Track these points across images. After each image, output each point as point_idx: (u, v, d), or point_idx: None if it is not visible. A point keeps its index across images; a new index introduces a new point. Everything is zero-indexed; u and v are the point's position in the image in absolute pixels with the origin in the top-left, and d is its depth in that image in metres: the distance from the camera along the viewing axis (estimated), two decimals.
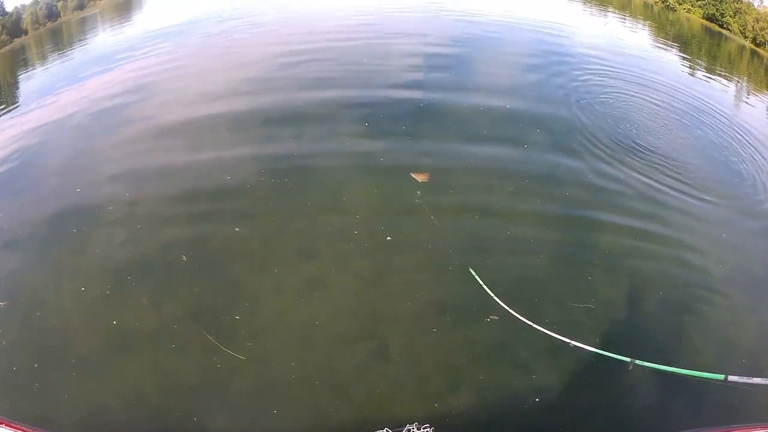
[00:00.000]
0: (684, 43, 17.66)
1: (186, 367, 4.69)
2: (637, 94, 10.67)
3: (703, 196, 7.31)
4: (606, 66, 11.83)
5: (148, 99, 8.90)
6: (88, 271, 5.47)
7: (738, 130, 10.13)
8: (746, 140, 9.72)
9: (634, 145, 8.31)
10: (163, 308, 5.14)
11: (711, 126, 10.05)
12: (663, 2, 22.56)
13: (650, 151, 8.21)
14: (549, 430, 4.42)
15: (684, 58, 15.29)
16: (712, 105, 11.22)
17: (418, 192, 6.71)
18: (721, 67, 15.79)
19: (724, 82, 14.19)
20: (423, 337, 5.04)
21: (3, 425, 2.82)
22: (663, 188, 7.33)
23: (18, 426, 2.83)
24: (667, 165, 7.86)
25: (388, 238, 6.03)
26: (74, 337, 4.85)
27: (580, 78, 10.78)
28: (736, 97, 13.49)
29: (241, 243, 5.88)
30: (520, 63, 11.28)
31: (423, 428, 3.08)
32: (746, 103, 13.20)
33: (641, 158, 7.95)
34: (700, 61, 15.70)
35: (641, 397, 4.72)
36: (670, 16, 21.71)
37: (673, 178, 7.55)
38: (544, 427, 4.45)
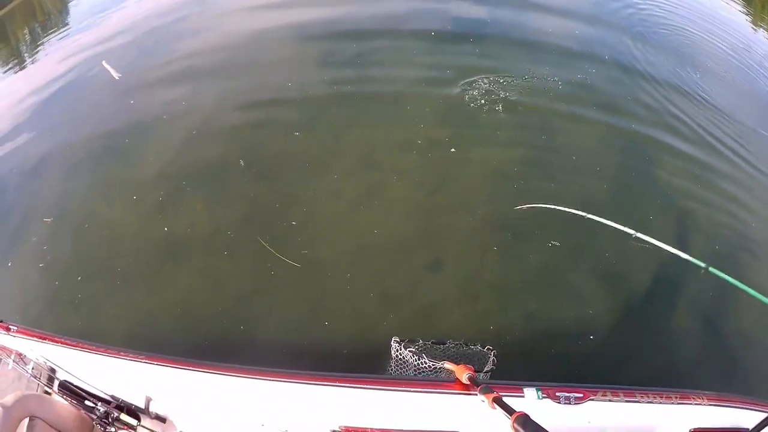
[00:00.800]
0: None
1: (238, 275, 4.44)
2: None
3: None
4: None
5: (206, 11, 8.48)
6: (141, 179, 5.20)
7: None
8: None
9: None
10: (217, 214, 4.87)
11: None
12: None
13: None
14: (596, 369, 4.17)
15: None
16: None
17: (485, 107, 6.22)
18: None
19: None
20: (479, 255, 4.73)
21: (48, 340, 2.74)
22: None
23: (62, 340, 2.73)
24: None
25: (452, 150, 5.58)
26: (122, 248, 4.64)
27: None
28: None
29: (301, 149, 5.52)
30: None
31: (487, 348, 3.03)
32: None
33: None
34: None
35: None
36: None
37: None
38: (592, 363, 4.22)
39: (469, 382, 2.45)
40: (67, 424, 2.53)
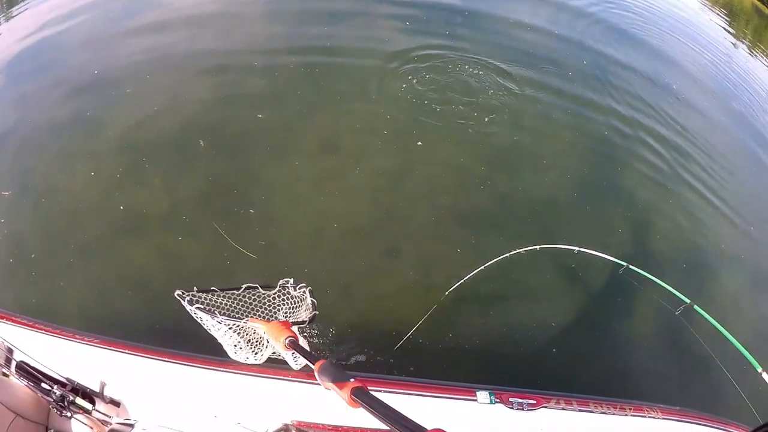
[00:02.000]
0: (732, 14, 16.33)
1: (194, 258, 4.45)
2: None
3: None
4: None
5: None
6: (101, 154, 5.14)
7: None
8: None
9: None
10: (176, 193, 4.86)
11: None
12: None
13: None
14: (551, 375, 4.22)
15: (728, 29, 14.03)
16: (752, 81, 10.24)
17: (457, 99, 6.40)
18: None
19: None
20: (437, 246, 4.86)
21: (6, 320, 2.69)
22: None
23: (20, 320, 2.73)
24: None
25: (419, 143, 5.71)
26: (80, 223, 4.61)
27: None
28: None
29: (263, 130, 5.56)
30: None
31: (299, 287, 2.52)
32: None
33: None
34: (744, 37, 14.49)
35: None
36: None
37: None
38: (548, 368, 4.29)
39: (289, 348, 1.96)
40: (23, 406, 2.55)
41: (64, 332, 2.69)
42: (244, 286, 2.41)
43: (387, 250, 4.77)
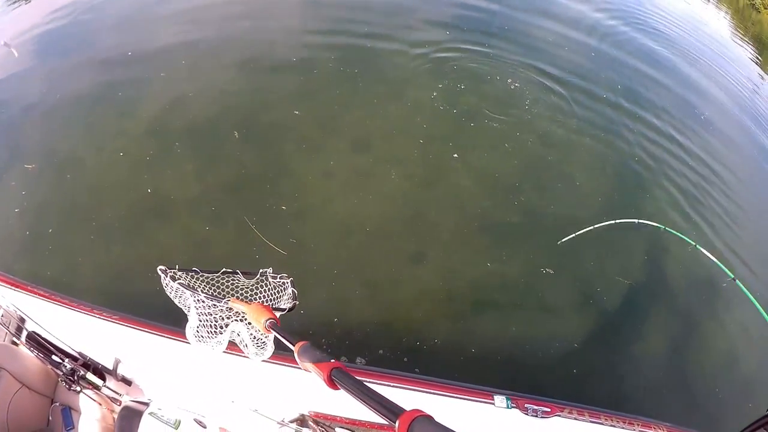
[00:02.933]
0: (760, 44, 16.23)
1: (220, 245, 4.36)
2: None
3: None
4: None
5: None
6: (132, 135, 5.09)
7: None
8: None
9: None
10: (205, 181, 4.77)
11: None
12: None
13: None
14: (563, 383, 4.24)
15: (757, 60, 13.93)
16: None
17: (488, 109, 6.28)
18: None
19: None
20: (462, 254, 4.78)
21: (20, 288, 2.64)
22: None
23: (35, 290, 2.66)
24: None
25: (454, 154, 5.59)
26: (104, 200, 4.54)
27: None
28: None
29: (298, 125, 5.45)
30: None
31: (280, 277, 2.36)
32: None
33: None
34: None
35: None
36: (753, 15, 19.95)
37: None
38: (561, 377, 4.27)
39: (269, 332, 1.92)
40: (30, 377, 2.45)
41: (81, 305, 2.60)
42: (222, 270, 2.27)
43: (413, 254, 4.68)
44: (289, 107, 5.63)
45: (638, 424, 2.78)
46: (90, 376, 2.42)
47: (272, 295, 2.33)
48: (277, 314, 2.01)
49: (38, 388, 2.50)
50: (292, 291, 2.30)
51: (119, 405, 2.46)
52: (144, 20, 6.92)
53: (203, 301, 2.16)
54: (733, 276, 3.94)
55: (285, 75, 6.09)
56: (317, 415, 2.46)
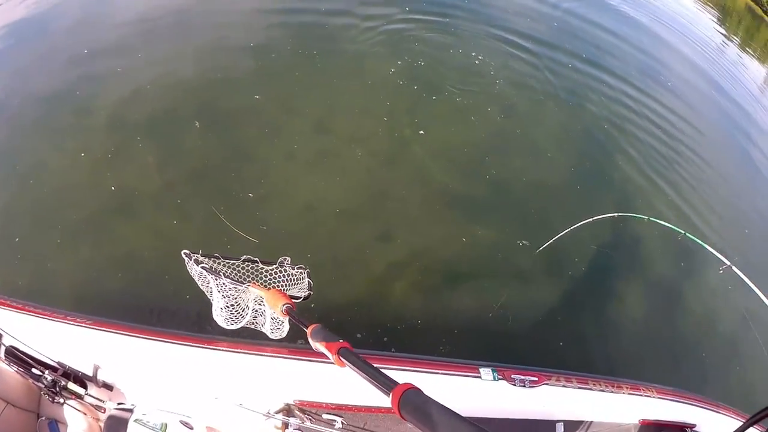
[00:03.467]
0: (723, 12, 16.35)
1: (189, 237, 4.34)
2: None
3: None
4: None
5: None
6: (92, 133, 4.98)
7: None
8: None
9: None
10: (169, 174, 4.72)
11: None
12: None
13: None
14: (548, 352, 4.34)
15: (719, 27, 14.04)
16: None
17: (451, 82, 6.36)
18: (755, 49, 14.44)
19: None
20: (430, 229, 4.84)
21: None
22: None
23: (8, 303, 2.56)
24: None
25: (420, 132, 5.63)
26: (68, 204, 4.46)
27: None
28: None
29: (259, 110, 5.43)
30: None
31: (297, 267, 2.57)
32: None
33: None
34: (735, 35, 14.59)
35: None
36: None
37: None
38: (545, 346, 4.38)
39: (285, 315, 2.07)
40: (13, 394, 2.44)
41: (54, 314, 2.56)
42: (243, 257, 2.45)
43: (384, 233, 4.73)
44: (249, 92, 5.59)
45: (627, 387, 2.86)
46: (71, 385, 2.41)
47: (288, 283, 2.51)
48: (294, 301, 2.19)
49: (23, 404, 2.49)
50: (308, 281, 2.50)
51: (103, 412, 2.46)
52: (98, 18, 6.70)
53: (225, 285, 2.33)
54: (728, 262, 3.98)
55: (243, 60, 6.03)
56: (302, 403, 2.47)
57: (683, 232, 4.33)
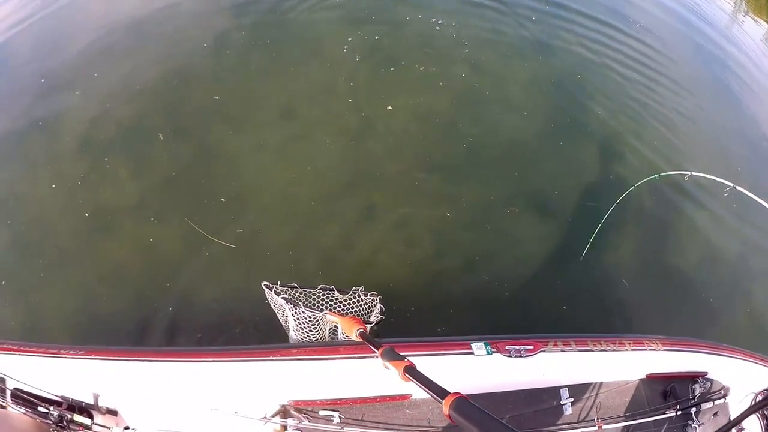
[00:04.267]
0: None
1: (169, 254, 4.37)
2: None
3: None
4: None
5: None
6: (61, 160, 4.96)
7: None
8: None
9: None
10: (141, 192, 4.72)
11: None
12: None
13: None
14: (544, 318, 4.35)
15: None
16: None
17: (412, 50, 6.31)
18: None
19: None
20: (413, 203, 4.83)
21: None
22: None
23: (4, 346, 2.58)
24: None
25: (389, 107, 5.59)
26: (46, 236, 4.46)
27: None
28: None
29: (220, 109, 5.40)
30: None
31: (369, 294, 2.78)
32: None
33: None
34: None
35: None
36: None
37: None
38: (539, 312, 4.39)
39: (360, 339, 2.32)
40: None
41: (48, 350, 2.58)
42: (319, 286, 2.75)
43: (364, 213, 4.76)
44: (209, 93, 5.56)
45: (630, 343, 2.78)
46: (77, 417, 2.45)
47: (356, 308, 2.79)
48: (367, 326, 2.47)
49: None
50: (380, 307, 2.76)
51: None
52: (51, 46, 6.50)
53: (304, 313, 2.57)
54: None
55: (198, 62, 5.98)
56: (298, 402, 2.49)
57: (689, 173, 4.17)
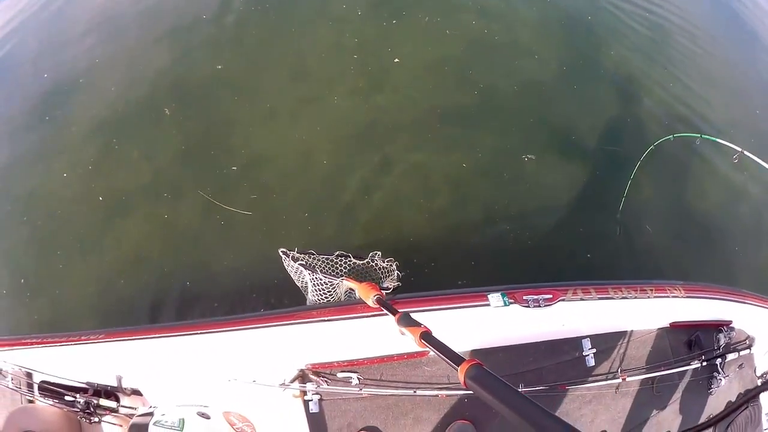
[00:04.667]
0: None
1: (187, 226, 4.33)
2: None
3: None
4: None
5: None
6: (68, 153, 4.92)
7: None
8: None
9: None
10: (153, 170, 4.64)
11: None
12: None
13: None
14: (564, 267, 4.26)
15: None
16: None
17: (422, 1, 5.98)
18: None
19: None
20: (427, 150, 4.71)
21: (14, 346, 2.63)
22: None
23: (27, 341, 2.62)
24: None
25: (396, 60, 5.36)
26: (61, 227, 4.44)
27: None
28: None
29: (226, 79, 5.24)
30: None
31: (387, 260, 2.80)
32: None
33: None
34: None
35: None
36: None
37: None
38: (561, 261, 4.30)
39: (377, 305, 2.29)
40: (56, 427, 2.51)
41: (70, 338, 2.58)
42: (336, 252, 2.82)
43: (378, 167, 4.63)
44: (212, 63, 5.41)
45: (651, 290, 2.68)
46: (103, 401, 2.46)
47: (377, 274, 2.83)
48: (384, 292, 2.45)
49: None
50: (397, 273, 2.81)
51: None
52: (51, 39, 6.37)
53: (320, 279, 2.63)
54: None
55: (200, 33, 5.79)
56: (315, 366, 2.46)
57: (699, 135, 4.07)
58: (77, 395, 2.47)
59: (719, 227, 4.86)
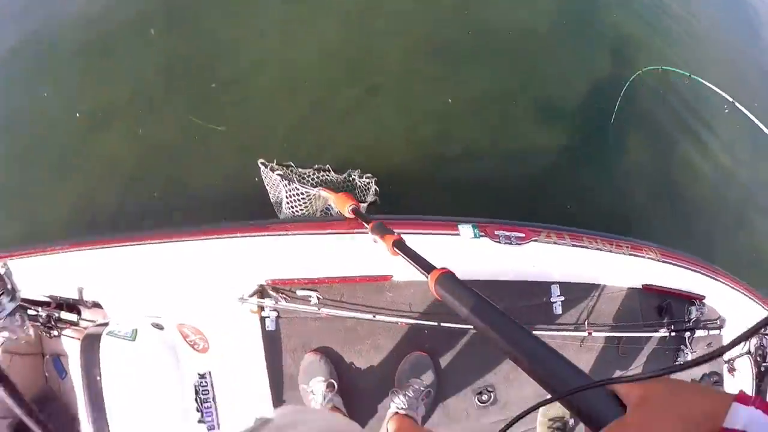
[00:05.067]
0: None
1: (165, 144, 4.21)
2: None
3: None
4: None
5: None
6: (50, 74, 4.71)
7: None
8: None
9: None
10: (131, 86, 4.47)
11: None
12: None
13: None
14: (543, 208, 4.25)
15: None
16: None
17: None
18: None
19: None
20: (415, 81, 4.61)
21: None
22: None
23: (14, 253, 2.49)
24: None
25: None
26: (37, 144, 4.32)
27: None
28: None
29: None
30: None
31: (365, 176, 2.82)
32: None
33: None
34: None
35: None
36: None
37: None
38: (540, 202, 4.28)
39: (352, 215, 2.27)
40: (16, 341, 2.38)
41: (36, 249, 2.47)
42: (315, 166, 2.85)
43: (365, 92, 4.52)
44: None
45: (627, 246, 2.62)
46: (64, 314, 2.34)
47: (350, 191, 2.84)
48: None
49: (27, 350, 2.49)
50: (375, 189, 2.86)
51: None
52: None
53: (297, 190, 2.62)
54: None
55: None
56: (275, 281, 2.39)
57: (688, 74, 4.05)
58: (39, 309, 2.33)
59: (703, 197, 4.97)
